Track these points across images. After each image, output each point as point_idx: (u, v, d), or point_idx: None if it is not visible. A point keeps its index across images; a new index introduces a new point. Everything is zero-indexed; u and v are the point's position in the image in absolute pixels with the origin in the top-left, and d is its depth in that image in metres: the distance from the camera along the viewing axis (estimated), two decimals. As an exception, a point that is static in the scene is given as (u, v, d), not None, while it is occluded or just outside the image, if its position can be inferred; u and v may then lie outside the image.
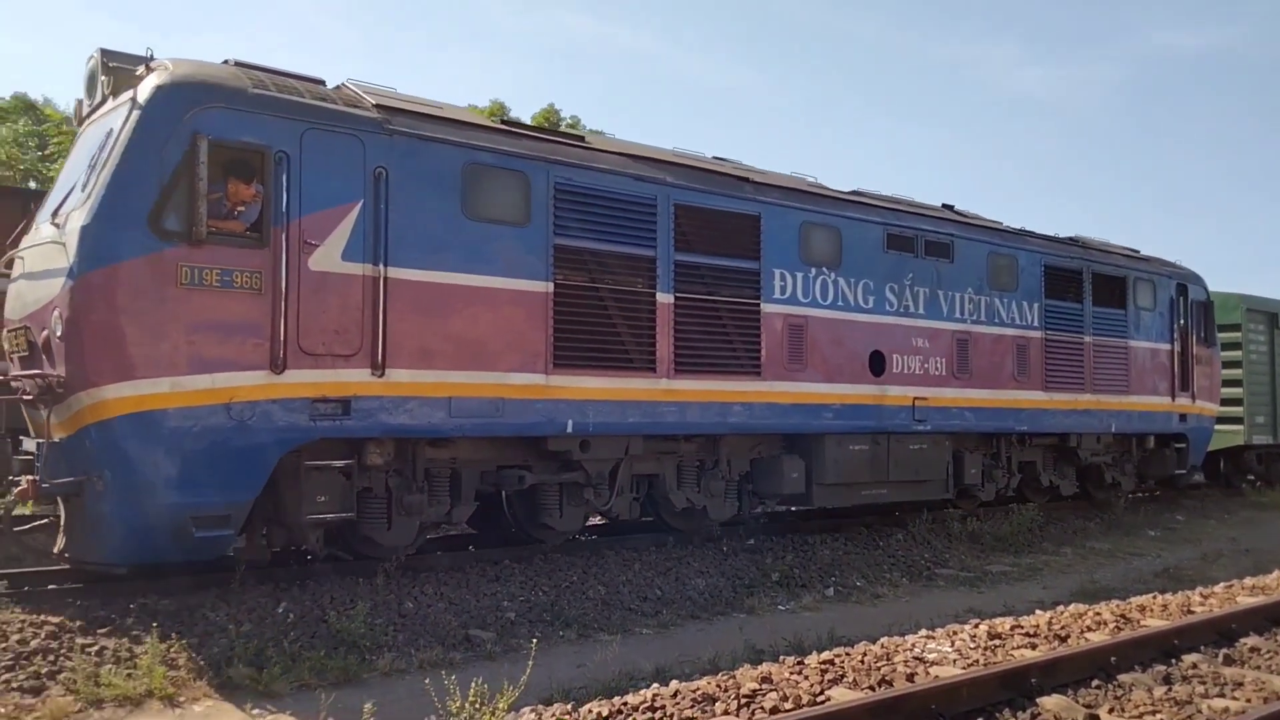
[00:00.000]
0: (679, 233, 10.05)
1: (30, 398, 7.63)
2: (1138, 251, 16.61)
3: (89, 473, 7.19)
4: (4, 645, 6.55)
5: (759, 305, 10.69)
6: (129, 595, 7.53)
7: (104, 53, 8.02)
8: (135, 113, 7.32)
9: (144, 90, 7.41)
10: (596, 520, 11.39)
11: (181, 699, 6.24)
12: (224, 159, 7.50)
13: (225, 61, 8.19)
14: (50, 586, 7.85)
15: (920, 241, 12.42)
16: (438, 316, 8.39)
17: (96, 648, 6.66)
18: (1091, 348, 14.60)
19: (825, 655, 6.73)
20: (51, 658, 6.49)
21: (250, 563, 8.09)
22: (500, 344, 8.74)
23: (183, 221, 7.22)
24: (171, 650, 6.70)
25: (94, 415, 7.05)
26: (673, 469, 10.53)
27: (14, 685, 6.15)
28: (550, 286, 9.07)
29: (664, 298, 9.89)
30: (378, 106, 8.41)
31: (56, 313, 7.17)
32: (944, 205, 14.00)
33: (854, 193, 12.68)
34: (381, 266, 8.06)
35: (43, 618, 6.98)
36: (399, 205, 8.21)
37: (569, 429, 9.17)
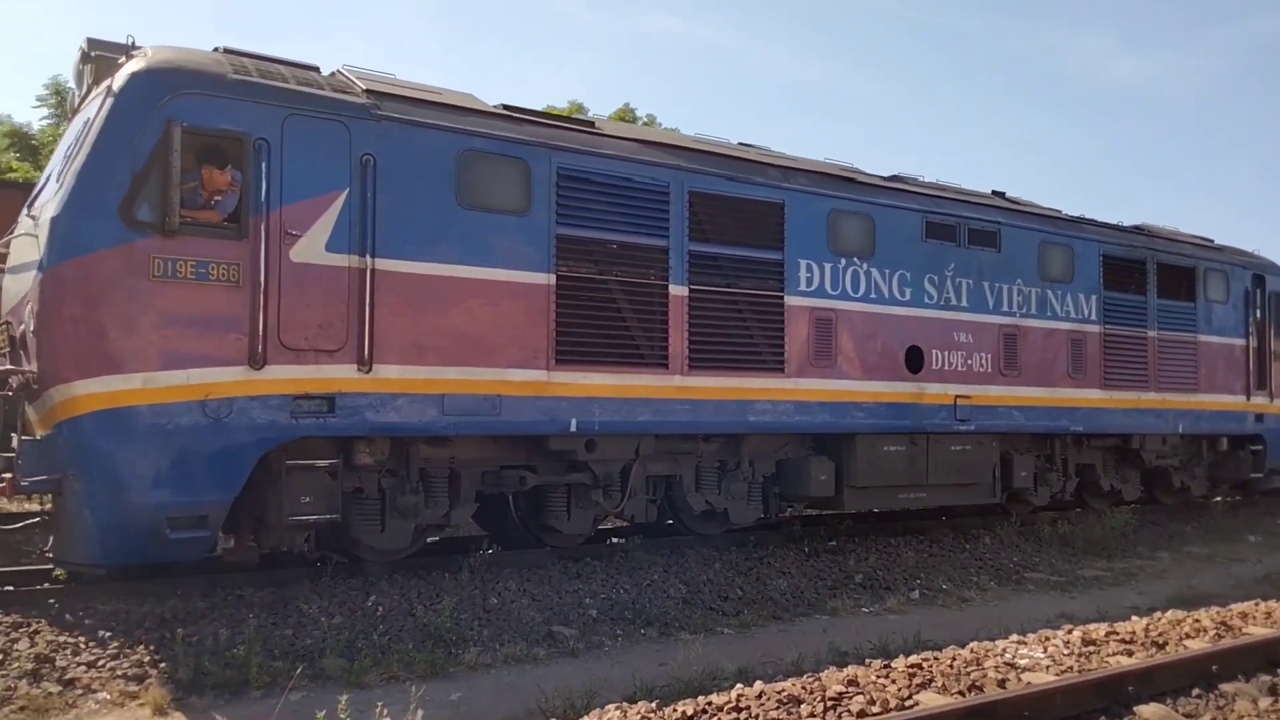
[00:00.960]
0: (694, 221, 9.54)
1: (11, 394, 7.48)
2: (1211, 241, 15.52)
3: (64, 471, 7.00)
4: (109, 634, 6.78)
5: (782, 298, 10.12)
6: (229, 587, 7.74)
7: (90, 42, 7.85)
8: (109, 101, 7.11)
9: (119, 78, 7.19)
10: (614, 523, 10.92)
11: (278, 688, 6.35)
12: (200, 147, 7.26)
13: (216, 49, 7.97)
14: (160, 578, 7.93)
15: (963, 230, 11.69)
16: (430, 310, 8.03)
17: (197, 637, 6.85)
18: (1156, 343, 13.64)
19: (913, 659, 6.59)
20: (154, 647, 6.71)
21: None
22: (498, 339, 8.35)
23: (155, 212, 6.98)
24: (267, 641, 6.91)
25: (65, 412, 6.85)
26: (691, 470, 10.03)
27: (119, 673, 6.43)
28: (552, 279, 8.65)
29: (677, 290, 9.39)
30: (368, 92, 8.09)
31: (29, 307, 6.99)
32: (994, 192, 13.22)
33: (892, 178, 12.01)
34: (368, 258, 7.73)
35: (145, 608, 7.21)
36: (388, 194, 7.87)
37: (572, 428, 8.73)
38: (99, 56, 7.64)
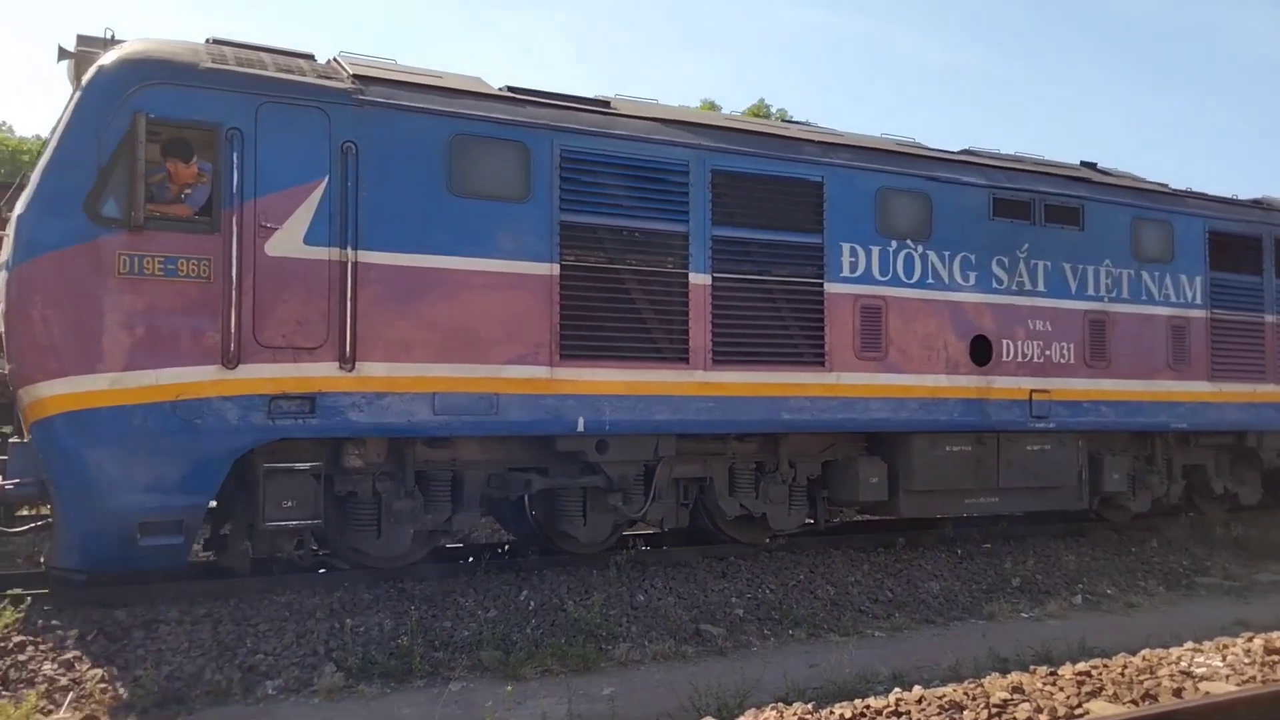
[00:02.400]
0: (718, 203, 8.82)
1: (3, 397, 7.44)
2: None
3: (40, 474, 6.88)
4: (281, 625, 7.08)
5: (822, 285, 9.28)
6: (391, 579, 8.00)
7: (79, 39, 7.74)
8: (77, 95, 6.94)
9: (88, 72, 7.02)
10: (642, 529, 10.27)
11: (440, 678, 6.69)
12: (169, 138, 7.02)
13: (208, 41, 7.75)
14: (321, 571, 8.29)
15: (1038, 206, 10.55)
16: (418, 304, 7.60)
17: (363, 628, 7.15)
18: (1275, 328, 12.08)
19: (1080, 666, 6.41)
20: (324, 638, 7.01)
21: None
22: (495, 333, 7.85)
23: (121, 207, 6.77)
24: (428, 633, 7.18)
25: (36, 413, 6.72)
26: (723, 472, 9.31)
27: (292, 661, 6.76)
28: (555, 268, 8.10)
29: (699, 279, 8.69)
30: (356, 77, 7.72)
31: (1, 306, 6.90)
32: (1083, 163, 11.97)
33: (964, 152, 10.98)
34: (350, 250, 7.36)
35: (317, 598, 7.54)
36: (371, 182, 7.48)
37: (580, 428, 8.16)
38: (81, 53, 7.51)
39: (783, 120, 25.09)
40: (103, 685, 6.18)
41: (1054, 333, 10.53)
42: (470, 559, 8.94)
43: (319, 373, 7.28)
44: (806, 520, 10.07)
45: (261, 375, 7.11)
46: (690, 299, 8.63)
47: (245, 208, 7.08)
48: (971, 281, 10.10)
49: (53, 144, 6.84)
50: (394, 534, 7.95)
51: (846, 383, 9.35)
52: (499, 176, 7.96)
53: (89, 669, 6.33)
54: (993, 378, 10.15)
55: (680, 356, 8.58)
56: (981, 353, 10.12)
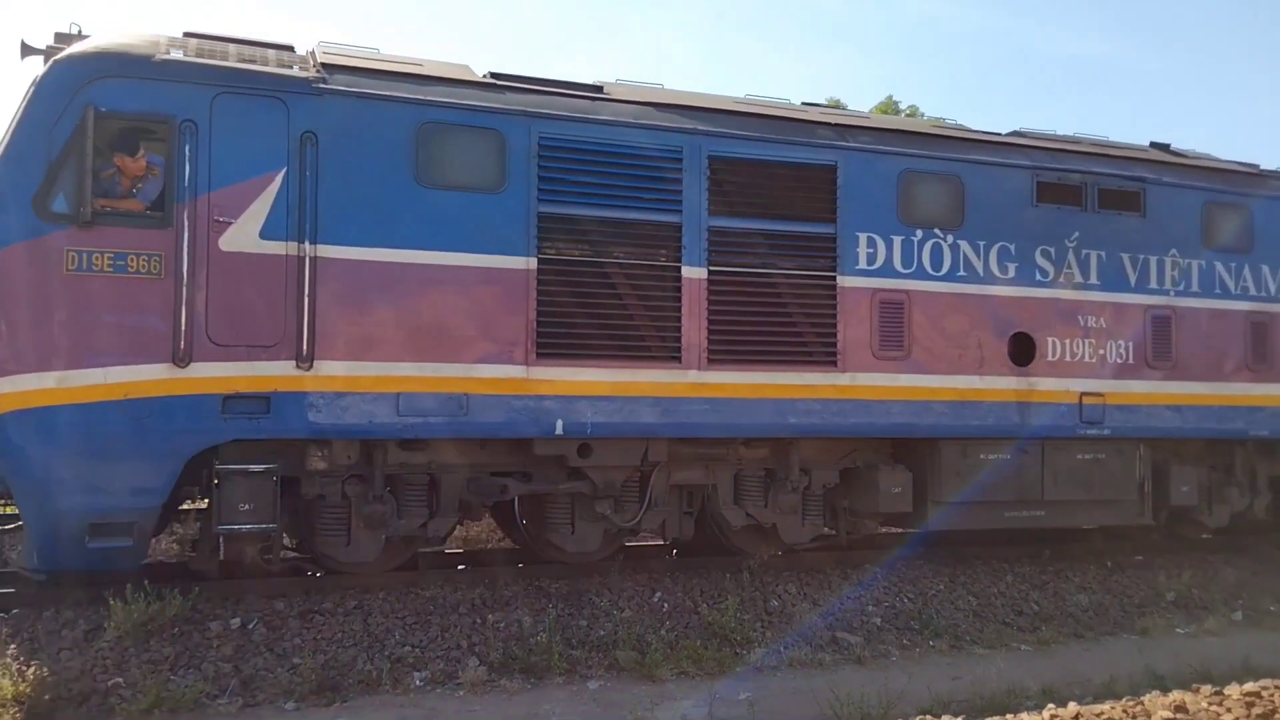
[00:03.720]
0: (715, 192, 8.23)
1: None
2: None
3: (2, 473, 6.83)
4: (426, 619, 7.34)
5: (834, 279, 8.58)
6: (528, 577, 8.16)
7: (56, 36, 7.68)
8: (30, 90, 6.86)
9: (44, 68, 6.94)
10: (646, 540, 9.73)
11: (578, 675, 6.82)
12: (122, 132, 6.87)
13: (184, 34, 7.62)
14: (460, 567, 8.63)
15: (1091, 190, 9.57)
16: (381, 300, 7.28)
17: (503, 623, 7.32)
18: (1378, 324, 10.70)
19: (1249, 686, 6.15)
20: (467, 632, 7.25)
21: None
22: (465, 331, 7.47)
23: (70, 202, 6.65)
24: (565, 630, 7.34)
25: (-11, 411, 6.66)
26: (727, 479, 8.71)
27: (437, 654, 7.02)
28: (533, 262, 7.66)
29: (693, 272, 8.13)
30: (324, 66, 7.46)
31: None
32: (1153, 144, 10.87)
33: (1012, 134, 10.08)
34: (307, 244, 7.09)
35: (459, 594, 7.75)
36: (332, 174, 7.19)
37: (558, 430, 7.70)
38: (50, 48, 7.45)
39: (912, 116, 24.10)
40: (264, 672, 6.54)
41: (1109, 330, 9.53)
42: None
43: (274, 371, 7.03)
44: (826, 532, 9.39)
45: (214, 374, 6.90)
46: (683, 294, 8.07)
47: (199, 202, 6.88)
48: (1010, 274, 9.21)
49: (5, 140, 6.78)
50: (365, 540, 7.66)
51: (862, 384, 8.62)
52: (471, 166, 7.58)
53: (251, 656, 6.70)
54: (1036, 379, 9.24)
55: (672, 355, 8.03)
56: (1022, 352, 9.23)
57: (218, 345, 6.89)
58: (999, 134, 9.83)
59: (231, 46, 7.43)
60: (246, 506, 7.03)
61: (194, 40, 7.39)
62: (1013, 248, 9.21)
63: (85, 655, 6.50)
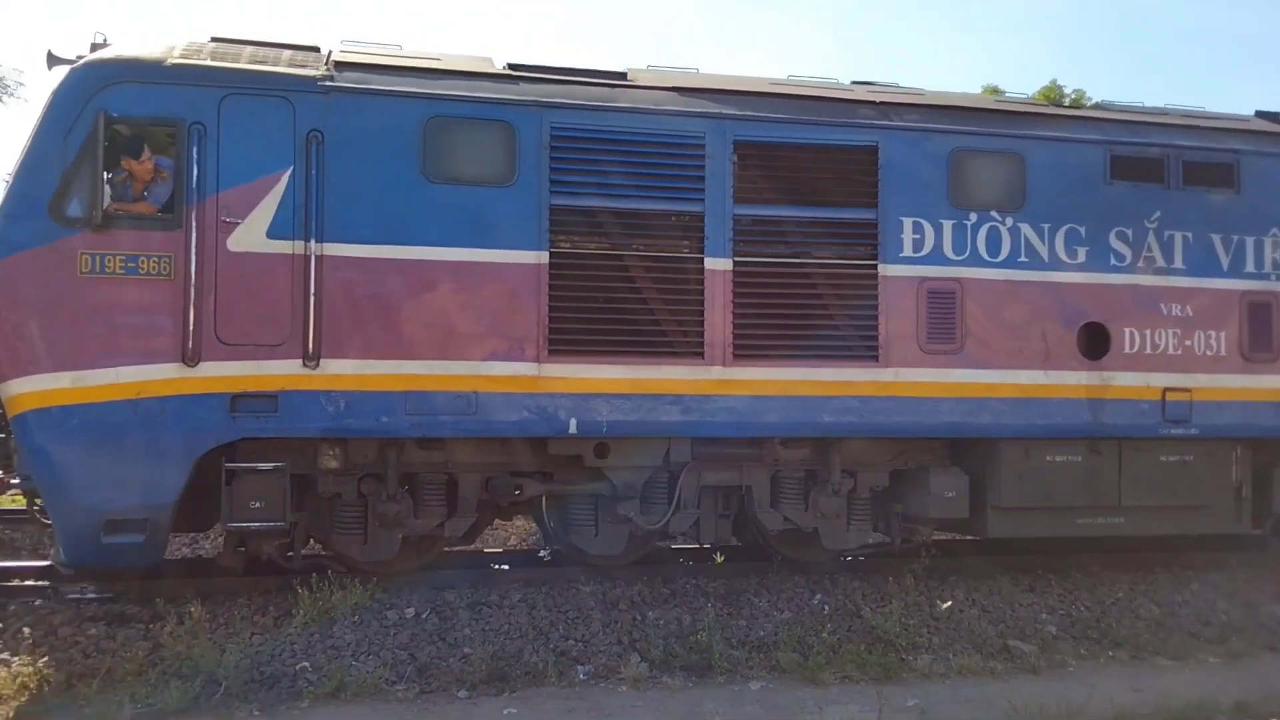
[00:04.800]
0: (742, 179, 7.82)
1: None
2: None
3: (24, 469, 7.09)
4: (589, 614, 7.44)
5: (875, 268, 8.02)
6: (686, 575, 8.25)
7: (92, 47, 7.94)
8: (47, 99, 7.08)
9: (60, 77, 7.15)
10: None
11: (739, 676, 6.80)
12: (132, 136, 7.01)
13: (212, 39, 7.76)
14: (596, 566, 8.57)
15: (1174, 165, 8.66)
16: (388, 298, 7.20)
17: (663, 621, 7.38)
18: None
19: None
20: (628, 628, 7.33)
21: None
22: (474, 328, 7.32)
23: (84, 206, 6.82)
24: (725, 630, 7.32)
25: (11, 410, 6.90)
26: (763, 481, 8.27)
27: (600, 648, 7.07)
28: (544, 257, 7.44)
29: (717, 264, 7.73)
30: (336, 64, 7.44)
31: None
32: (1259, 113, 9.78)
33: (1095, 108, 9.24)
34: (313, 243, 7.07)
35: (619, 590, 7.86)
36: (338, 172, 7.15)
37: (572, 429, 7.46)
38: (77, 59, 7.67)
39: (1078, 102, 22.90)
40: (438, 660, 6.74)
41: (1197, 319, 8.61)
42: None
43: (281, 370, 7.04)
44: (879, 538, 8.82)
45: (222, 373, 6.96)
46: (706, 287, 7.69)
47: (207, 203, 6.96)
48: (1080, 259, 8.42)
49: (25, 148, 7.01)
50: (381, 539, 7.61)
51: (907, 380, 8.04)
52: (480, 160, 7.41)
53: (425, 645, 6.93)
54: (1110, 373, 8.43)
55: (694, 351, 7.67)
56: (1095, 343, 8.43)
57: (226, 345, 6.95)
58: (1061, 106, 9.00)
59: (247, 49, 7.49)
60: (257, 504, 7.07)
61: (213, 45, 7.48)
62: (1082, 230, 8.42)
63: (276, 640, 6.85)
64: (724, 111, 7.84)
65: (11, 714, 5.84)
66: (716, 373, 7.69)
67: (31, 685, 6.11)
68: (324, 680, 6.39)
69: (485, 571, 8.12)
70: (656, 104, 7.78)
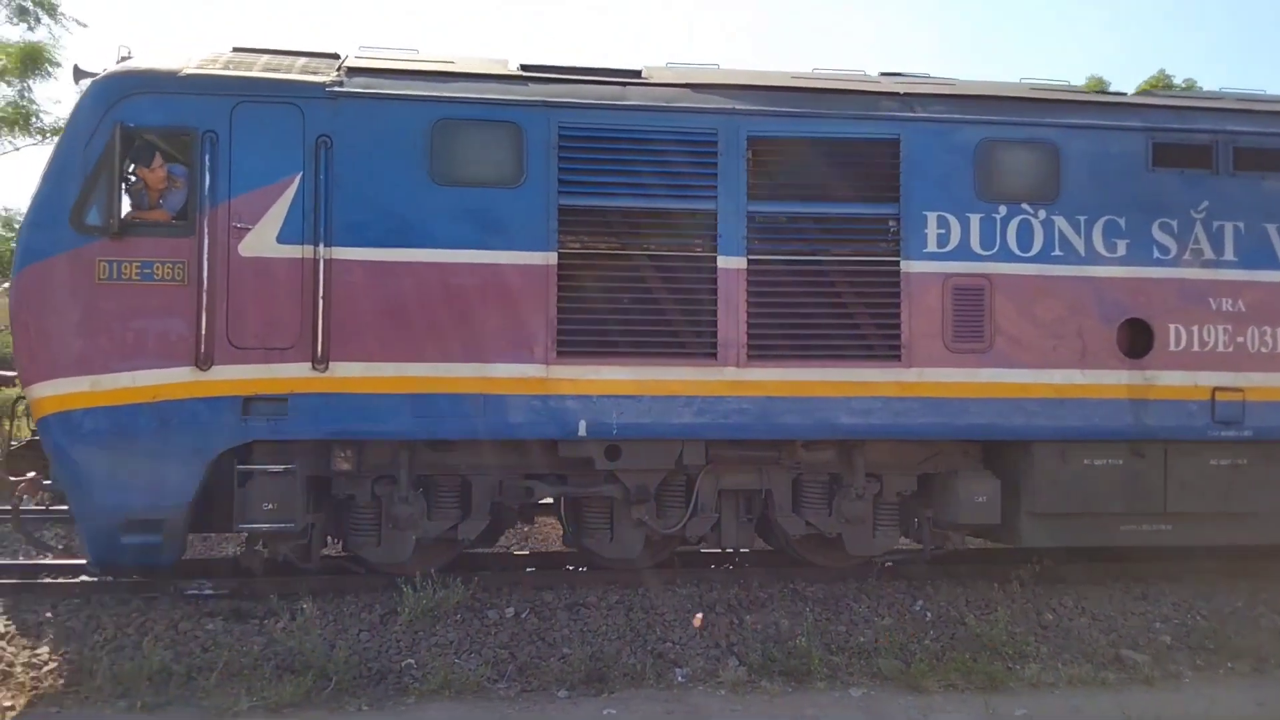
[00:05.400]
0: (756, 174, 7.64)
1: None
2: None
3: (51, 471, 7.32)
4: (686, 616, 7.46)
5: (898, 264, 7.75)
6: (783, 580, 8.20)
7: (120, 60, 8.18)
8: (71, 112, 7.30)
9: (82, 91, 7.36)
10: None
11: (839, 682, 6.79)
12: (148, 146, 7.17)
13: (234, 49, 7.92)
14: (712, 566, 8.79)
15: (1223, 150, 8.17)
16: (395, 301, 7.23)
17: (760, 625, 7.38)
18: None
19: None
20: (725, 631, 7.36)
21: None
22: (482, 330, 7.30)
23: (102, 215, 7.01)
24: (824, 635, 7.32)
25: (36, 413, 7.13)
26: (784, 484, 8.06)
27: (697, 651, 7.07)
28: (553, 258, 7.38)
29: (730, 262, 7.57)
30: (349, 70, 7.51)
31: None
32: (1324, 93, 9.17)
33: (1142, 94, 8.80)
34: (321, 247, 7.14)
35: (715, 593, 7.90)
36: (346, 177, 7.21)
37: (581, 431, 7.38)
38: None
39: (1187, 90, 22.15)
40: (537, 660, 6.88)
41: (1251, 314, 8.10)
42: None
43: (291, 373, 7.13)
44: (909, 544, 8.53)
45: (234, 377, 7.08)
46: (720, 286, 7.53)
47: (219, 209, 7.09)
48: (1120, 252, 8.01)
49: (50, 158, 7.24)
50: (395, 540, 7.65)
51: (931, 380, 7.74)
52: (487, 161, 7.39)
53: (525, 644, 7.07)
54: (1154, 372, 7.99)
55: (707, 352, 7.51)
56: (1138, 341, 8.01)
57: (238, 348, 7.07)
58: (1109, 93, 8.58)
59: (262, 58, 7.61)
60: (269, 506, 7.17)
61: (229, 55, 7.62)
62: (1122, 221, 8.00)
63: (382, 637, 7.07)
64: (736, 107, 7.67)
65: (139, 704, 6.09)
66: (730, 374, 7.52)
67: (156, 677, 6.39)
68: (428, 677, 6.55)
69: (580, 574, 8.22)
70: (667, 101, 7.66)
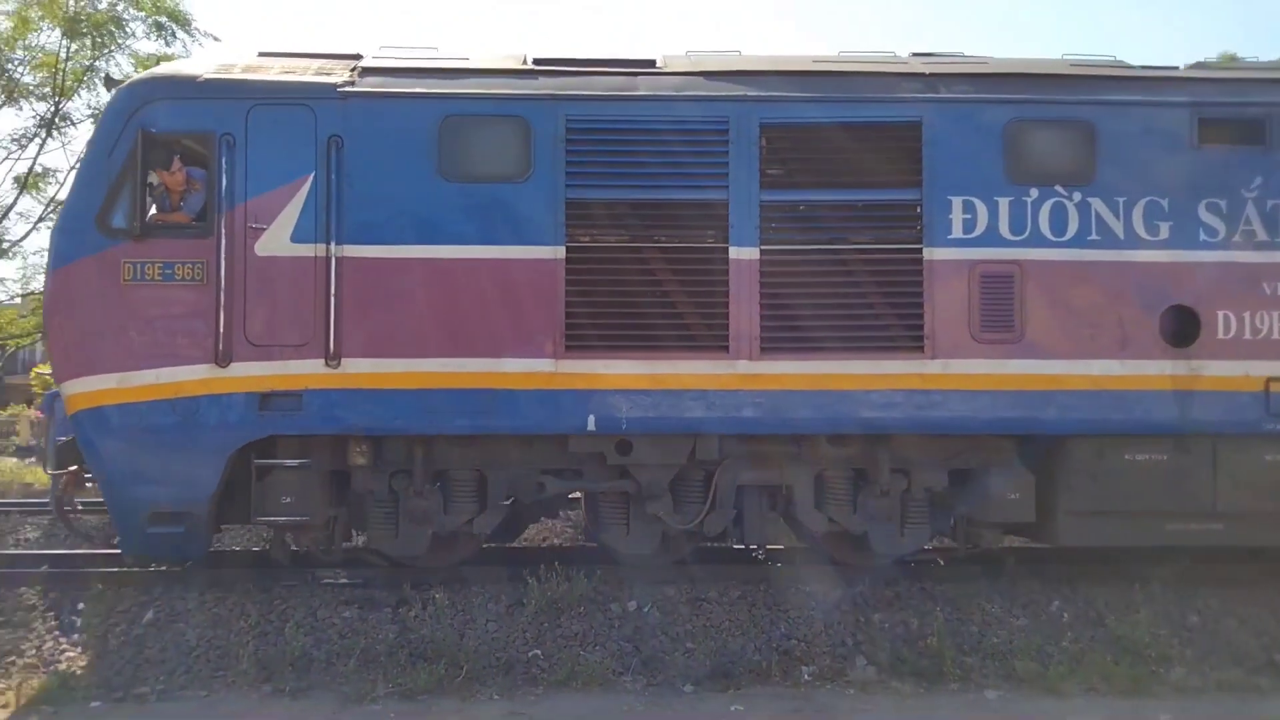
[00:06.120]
0: (769, 163, 7.47)
1: None
2: None
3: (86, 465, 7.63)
4: (810, 613, 7.44)
5: (920, 252, 7.47)
6: (912, 578, 7.98)
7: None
8: (99, 120, 7.57)
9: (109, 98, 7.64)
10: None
11: (972, 684, 6.70)
12: (169, 150, 7.39)
13: (259, 54, 8.12)
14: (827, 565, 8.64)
15: (1278, 125, 7.63)
16: (406, 297, 7.30)
17: (888, 624, 7.32)
18: None
19: None
20: (851, 629, 7.33)
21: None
22: (490, 326, 7.31)
23: (127, 218, 7.26)
24: (955, 635, 7.16)
25: (69, 409, 7.43)
26: (806, 480, 7.86)
27: (823, 649, 7.13)
28: (561, 252, 7.35)
29: (742, 253, 7.41)
30: (364, 70, 7.61)
31: None
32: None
33: (1195, 66, 8.31)
34: (333, 245, 7.25)
35: (839, 591, 7.75)
36: (356, 176, 7.31)
37: (590, 426, 7.33)
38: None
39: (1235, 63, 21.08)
40: (661, 654, 6.95)
41: None
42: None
43: (305, 370, 7.26)
44: (945, 543, 8.23)
45: (251, 373, 7.25)
46: (731, 278, 7.38)
47: (236, 210, 7.27)
48: (1163, 235, 7.56)
49: (79, 165, 7.54)
50: (411, 534, 7.72)
51: (957, 372, 7.45)
52: (495, 156, 7.40)
53: (649, 638, 7.10)
54: (1201, 362, 7.52)
55: (718, 345, 7.38)
56: (1183, 329, 7.55)
57: (255, 346, 7.24)
58: (1149, 68, 8.10)
59: (281, 61, 7.78)
60: (287, 499, 7.33)
61: (248, 59, 7.81)
62: (1165, 203, 7.55)
63: (508, 627, 7.26)
64: (749, 94, 7.50)
65: (285, 687, 6.48)
66: (743, 367, 7.37)
67: (297, 662, 6.73)
68: (555, 668, 6.70)
69: (704, 569, 8.08)
70: (677, 90, 7.54)
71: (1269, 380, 7.50)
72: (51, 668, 6.76)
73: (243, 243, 7.25)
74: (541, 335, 7.30)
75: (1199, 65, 8.38)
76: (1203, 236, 7.56)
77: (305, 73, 7.57)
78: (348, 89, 7.39)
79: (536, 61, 7.93)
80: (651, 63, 7.97)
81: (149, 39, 17.89)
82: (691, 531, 7.90)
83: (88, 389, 7.25)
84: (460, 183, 7.34)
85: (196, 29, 18.35)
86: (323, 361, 7.24)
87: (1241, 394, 7.51)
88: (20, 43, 17.51)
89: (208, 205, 7.34)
